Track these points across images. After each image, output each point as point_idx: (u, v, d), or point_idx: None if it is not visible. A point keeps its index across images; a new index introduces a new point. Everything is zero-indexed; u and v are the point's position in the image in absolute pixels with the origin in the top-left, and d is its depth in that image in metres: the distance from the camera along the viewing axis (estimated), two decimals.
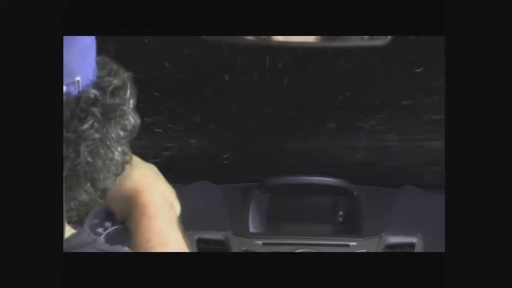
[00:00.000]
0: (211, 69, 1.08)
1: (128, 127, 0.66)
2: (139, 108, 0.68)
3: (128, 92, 0.66)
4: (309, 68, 1.07)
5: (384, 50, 0.99)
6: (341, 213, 1.25)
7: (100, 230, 0.93)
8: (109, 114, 0.64)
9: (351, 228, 1.22)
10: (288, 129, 1.19)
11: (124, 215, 0.91)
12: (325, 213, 1.25)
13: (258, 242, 1.16)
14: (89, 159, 0.63)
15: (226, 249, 1.16)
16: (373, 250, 1.16)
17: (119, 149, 0.66)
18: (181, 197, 0.94)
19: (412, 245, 1.17)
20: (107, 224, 0.93)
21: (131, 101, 0.67)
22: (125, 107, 0.66)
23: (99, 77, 0.64)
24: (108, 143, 0.64)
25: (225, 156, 1.23)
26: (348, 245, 1.16)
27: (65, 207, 0.64)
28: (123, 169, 0.68)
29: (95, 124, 0.63)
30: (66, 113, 0.62)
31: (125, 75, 0.67)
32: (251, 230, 1.20)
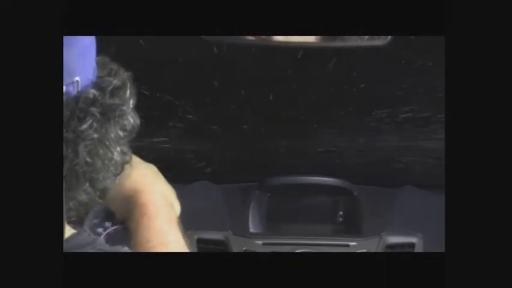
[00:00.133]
0: (211, 69, 1.08)
1: (128, 127, 0.66)
2: (138, 108, 0.68)
3: (128, 92, 0.66)
4: (309, 68, 1.07)
5: (384, 50, 0.99)
6: (341, 213, 1.25)
7: (100, 230, 0.93)
8: (108, 114, 0.64)
9: (351, 228, 1.22)
10: (288, 130, 1.19)
11: (124, 215, 0.91)
12: (325, 213, 1.25)
13: (258, 242, 1.16)
14: (88, 159, 0.63)
15: (226, 249, 1.16)
16: (373, 250, 1.15)
17: (118, 149, 0.66)
18: (181, 197, 0.94)
19: (412, 245, 1.17)
20: (107, 224, 0.93)
21: (131, 101, 0.67)
22: (124, 107, 0.66)
23: (99, 77, 0.64)
24: (107, 143, 0.64)
25: (225, 156, 1.23)
26: (348, 245, 1.16)
27: (64, 207, 0.64)
28: (122, 169, 0.68)
29: (94, 124, 0.63)
30: (65, 113, 0.62)
31: (125, 75, 0.67)
32: (251, 230, 1.20)
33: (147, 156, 0.93)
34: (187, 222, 0.94)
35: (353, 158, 1.22)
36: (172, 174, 0.94)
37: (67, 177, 0.63)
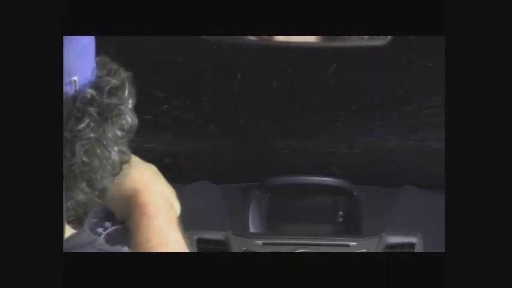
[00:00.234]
0: (211, 69, 1.08)
1: (126, 127, 0.66)
2: (138, 108, 0.68)
3: (127, 92, 0.66)
4: (309, 68, 1.07)
5: (384, 50, 0.99)
6: (341, 213, 1.25)
7: (100, 230, 0.93)
8: (106, 114, 0.64)
9: (351, 228, 1.22)
10: (288, 129, 1.19)
11: (124, 215, 0.91)
12: (325, 213, 1.25)
13: (258, 242, 1.16)
14: (85, 159, 0.63)
15: (226, 249, 1.16)
16: (373, 250, 1.15)
17: (116, 148, 0.66)
18: (181, 197, 0.94)
19: (412, 245, 1.17)
20: (107, 224, 0.93)
21: (130, 101, 0.67)
22: (122, 107, 0.66)
23: (98, 77, 0.64)
24: (105, 142, 0.64)
25: (225, 156, 1.23)
26: (348, 245, 1.16)
27: (64, 207, 0.64)
28: (121, 169, 0.68)
29: (92, 124, 0.63)
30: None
31: (124, 75, 0.67)
32: (251, 230, 1.20)
33: (147, 156, 0.93)
34: (187, 222, 0.94)
35: (353, 158, 1.22)
36: (172, 174, 0.94)
37: (64, 177, 0.63)
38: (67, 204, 0.65)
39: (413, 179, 1.25)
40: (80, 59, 0.62)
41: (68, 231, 0.69)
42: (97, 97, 0.63)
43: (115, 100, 0.65)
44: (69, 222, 0.69)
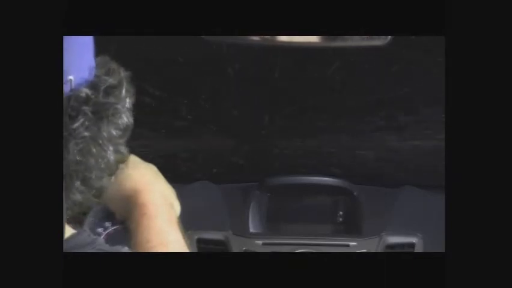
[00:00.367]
0: (211, 69, 1.08)
1: (122, 126, 0.66)
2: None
3: (124, 91, 0.66)
4: (309, 68, 1.07)
5: (384, 50, 0.99)
6: (341, 213, 1.25)
7: (100, 230, 0.93)
8: (101, 112, 0.64)
9: (351, 228, 1.22)
10: (288, 129, 1.19)
11: (124, 215, 0.91)
12: (325, 213, 1.25)
13: (258, 242, 1.16)
14: (78, 158, 0.63)
15: (226, 249, 1.16)
16: (373, 250, 1.16)
17: (112, 148, 0.65)
18: (181, 197, 0.94)
19: (412, 245, 1.17)
20: (107, 224, 0.93)
21: (127, 100, 0.67)
22: (119, 106, 0.65)
23: (96, 76, 0.64)
24: (100, 141, 0.64)
25: (225, 156, 1.23)
26: (348, 245, 1.16)
27: (64, 207, 0.64)
28: (117, 168, 0.68)
29: (86, 123, 0.63)
30: None
31: (122, 74, 0.67)
32: (251, 230, 1.20)
33: (147, 155, 0.93)
34: (187, 222, 0.94)
35: (353, 158, 1.23)
36: (172, 174, 0.94)
37: None
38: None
39: (413, 179, 1.25)
40: (77, 58, 0.62)
41: (68, 231, 0.69)
42: (92, 96, 0.63)
43: (111, 99, 0.65)
44: (68, 222, 0.69)
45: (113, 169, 0.67)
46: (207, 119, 1.17)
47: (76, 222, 0.72)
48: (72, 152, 0.62)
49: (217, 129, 1.19)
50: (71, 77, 0.61)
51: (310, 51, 1.03)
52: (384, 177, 1.26)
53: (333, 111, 1.15)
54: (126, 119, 0.66)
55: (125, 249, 0.73)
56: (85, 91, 0.63)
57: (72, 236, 0.69)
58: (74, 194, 0.65)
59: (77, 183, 0.64)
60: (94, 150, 0.64)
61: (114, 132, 0.65)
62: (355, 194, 1.24)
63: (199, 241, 1.16)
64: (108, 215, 0.93)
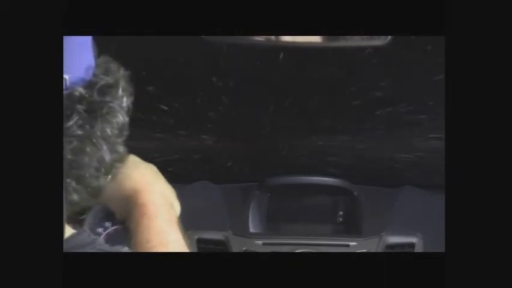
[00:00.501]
0: (211, 69, 1.08)
1: (117, 125, 0.66)
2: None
3: (120, 90, 0.66)
4: (309, 68, 1.07)
5: (384, 50, 0.99)
6: (341, 213, 1.25)
7: (100, 230, 0.93)
8: (95, 111, 0.64)
9: (351, 228, 1.22)
10: (288, 129, 1.19)
11: (124, 215, 0.91)
12: (325, 213, 1.25)
13: (258, 242, 1.16)
14: (69, 156, 0.62)
15: (226, 249, 1.16)
16: (373, 250, 1.16)
17: (106, 146, 0.65)
18: (181, 197, 0.94)
19: (412, 245, 1.17)
20: (107, 224, 0.93)
21: (124, 99, 0.67)
22: (113, 105, 0.65)
23: (94, 75, 0.64)
24: (94, 140, 0.64)
25: (225, 156, 1.23)
26: (348, 245, 1.16)
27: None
28: (112, 167, 0.67)
29: (80, 121, 0.62)
30: None
31: (120, 73, 0.67)
32: (251, 230, 1.20)
33: (146, 156, 0.93)
34: (187, 222, 0.94)
35: (353, 158, 1.23)
36: (172, 174, 0.94)
37: None
38: None
39: (413, 179, 1.25)
40: (73, 57, 0.62)
41: (68, 231, 0.69)
42: (87, 95, 0.63)
43: (107, 98, 0.65)
44: (68, 222, 0.69)
45: (109, 168, 0.67)
46: (207, 119, 1.17)
47: (76, 222, 0.72)
48: (65, 151, 0.62)
49: (217, 129, 1.19)
50: (66, 76, 0.61)
51: (310, 51, 1.03)
52: (384, 177, 1.26)
53: (333, 111, 1.15)
54: (122, 118, 0.66)
55: (125, 249, 0.73)
56: (80, 90, 0.63)
57: (72, 236, 0.69)
58: (71, 194, 0.64)
59: (73, 183, 0.64)
60: (88, 149, 0.63)
61: (109, 131, 0.65)
62: (355, 194, 1.24)
63: (199, 241, 1.16)
64: (108, 215, 0.93)
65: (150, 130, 1.16)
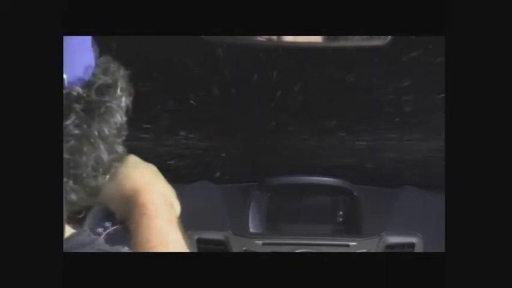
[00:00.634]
0: (211, 69, 1.08)
1: (114, 125, 0.66)
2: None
3: (119, 90, 0.66)
4: (309, 68, 1.07)
5: (384, 50, 0.99)
6: (341, 213, 1.25)
7: (100, 230, 0.93)
8: (93, 111, 0.64)
9: (351, 228, 1.22)
10: (288, 129, 1.19)
11: (124, 215, 0.91)
12: (325, 213, 1.25)
13: (258, 242, 1.16)
14: (66, 156, 0.62)
15: (226, 249, 1.16)
16: (373, 250, 1.16)
17: (104, 146, 0.65)
18: (181, 197, 0.94)
19: (412, 245, 1.17)
20: (107, 224, 0.93)
21: (123, 99, 0.66)
22: (111, 104, 0.65)
23: (93, 75, 0.64)
24: (92, 140, 0.64)
25: (225, 156, 1.23)
26: (348, 245, 1.16)
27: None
28: (111, 167, 0.67)
29: (77, 121, 0.62)
30: None
31: (120, 73, 0.67)
32: (251, 230, 1.20)
33: (146, 156, 0.93)
34: (187, 222, 0.94)
35: (353, 158, 1.23)
36: (172, 174, 0.94)
37: None
38: None
39: (413, 179, 1.25)
40: (72, 57, 0.62)
41: (68, 231, 0.69)
42: (84, 94, 0.63)
43: (106, 98, 0.64)
44: (68, 222, 0.69)
45: (107, 168, 0.66)
46: (207, 119, 1.17)
47: (76, 222, 0.72)
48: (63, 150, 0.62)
49: (217, 129, 1.19)
50: (64, 76, 0.61)
51: (310, 51, 1.03)
52: (384, 177, 1.26)
53: (333, 111, 1.15)
54: (120, 117, 0.66)
55: (125, 249, 0.73)
56: (77, 89, 0.63)
57: (72, 236, 0.69)
58: (69, 194, 0.64)
59: (70, 182, 0.64)
60: (85, 148, 0.63)
61: (107, 131, 0.65)
62: (355, 194, 1.24)
63: (199, 241, 1.16)
64: (108, 215, 0.93)
65: (149, 130, 1.16)
